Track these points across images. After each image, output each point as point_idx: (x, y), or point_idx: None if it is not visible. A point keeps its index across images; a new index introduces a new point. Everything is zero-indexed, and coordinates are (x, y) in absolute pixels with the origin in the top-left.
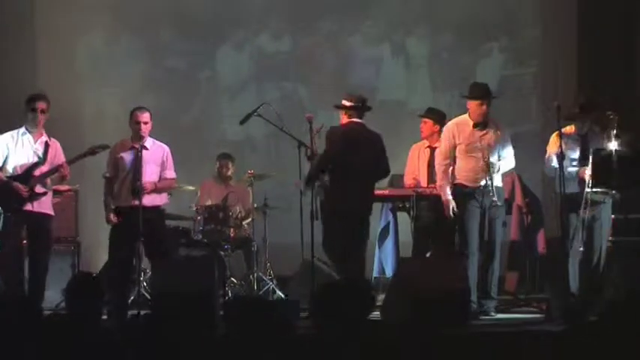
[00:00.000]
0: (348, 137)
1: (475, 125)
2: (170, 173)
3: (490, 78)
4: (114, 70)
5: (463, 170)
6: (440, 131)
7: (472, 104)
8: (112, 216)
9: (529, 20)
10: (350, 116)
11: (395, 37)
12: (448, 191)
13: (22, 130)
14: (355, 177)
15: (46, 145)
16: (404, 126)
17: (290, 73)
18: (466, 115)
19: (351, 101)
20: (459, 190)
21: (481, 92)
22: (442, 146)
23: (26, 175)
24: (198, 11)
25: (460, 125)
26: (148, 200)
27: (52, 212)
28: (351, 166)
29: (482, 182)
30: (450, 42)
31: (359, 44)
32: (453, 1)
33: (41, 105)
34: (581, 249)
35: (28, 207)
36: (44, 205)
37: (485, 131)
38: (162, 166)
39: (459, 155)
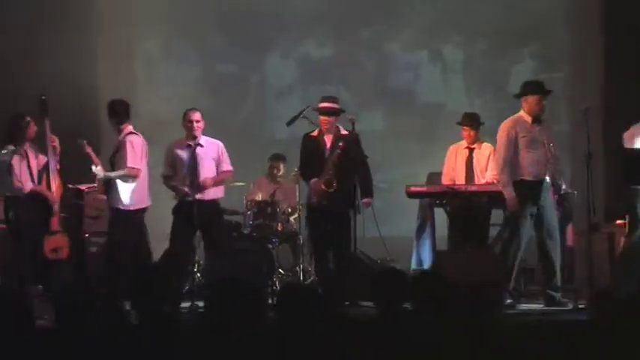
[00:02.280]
0: None
1: (533, 120)
2: (226, 166)
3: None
4: (169, 74)
5: (524, 166)
6: (477, 134)
7: (532, 100)
8: (185, 189)
9: (558, 26)
10: None
11: (432, 44)
12: (512, 187)
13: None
14: None
15: None
16: (441, 127)
17: (333, 78)
18: (520, 113)
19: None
20: (521, 186)
21: (542, 88)
22: (502, 143)
23: None
24: (248, 20)
25: (519, 121)
26: (207, 193)
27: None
28: None
29: (546, 176)
30: (483, 49)
31: (398, 50)
32: (486, 10)
33: None
34: None
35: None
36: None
37: (541, 126)
38: (218, 160)
39: (520, 151)
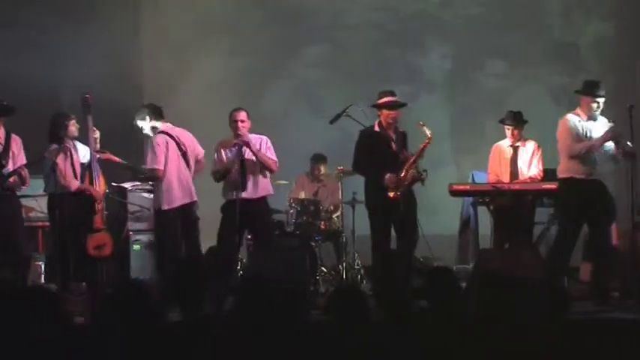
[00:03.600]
0: None
1: (588, 118)
2: (272, 155)
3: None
4: (213, 70)
5: (577, 163)
6: (521, 133)
7: (584, 100)
8: (232, 169)
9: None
10: None
11: None
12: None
13: None
14: None
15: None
16: (487, 126)
17: (374, 72)
18: (577, 109)
19: None
20: (572, 184)
21: (593, 90)
22: (567, 136)
23: None
24: (294, 16)
25: (574, 118)
26: (255, 192)
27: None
28: None
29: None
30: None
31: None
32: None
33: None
34: None
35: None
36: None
37: (596, 124)
38: (262, 151)
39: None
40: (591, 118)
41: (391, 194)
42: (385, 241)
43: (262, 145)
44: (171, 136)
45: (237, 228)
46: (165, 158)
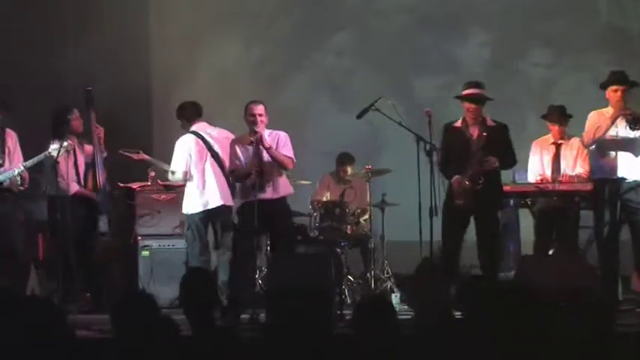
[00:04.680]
0: None
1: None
2: (288, 152)
3: None
4: (227, 60)
5: (607, 163)
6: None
7: (609, 91)
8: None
9: None
10: None
11: None
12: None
13: None
14: None
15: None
16: (529, 120)
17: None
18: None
19: None
20: (607, 184)
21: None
22: (590, 131)
23: None
24: (315, 5)
25: (602, 115)
26: (273, 192)
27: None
28: None
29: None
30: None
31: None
32: None
33: None
34: None
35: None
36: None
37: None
38: (281, 149)
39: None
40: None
41: (458, 201)
42: (451, 251)
43: (279, 141)
44: (200, 137)
45: (256, 232)
46: (190, 160)
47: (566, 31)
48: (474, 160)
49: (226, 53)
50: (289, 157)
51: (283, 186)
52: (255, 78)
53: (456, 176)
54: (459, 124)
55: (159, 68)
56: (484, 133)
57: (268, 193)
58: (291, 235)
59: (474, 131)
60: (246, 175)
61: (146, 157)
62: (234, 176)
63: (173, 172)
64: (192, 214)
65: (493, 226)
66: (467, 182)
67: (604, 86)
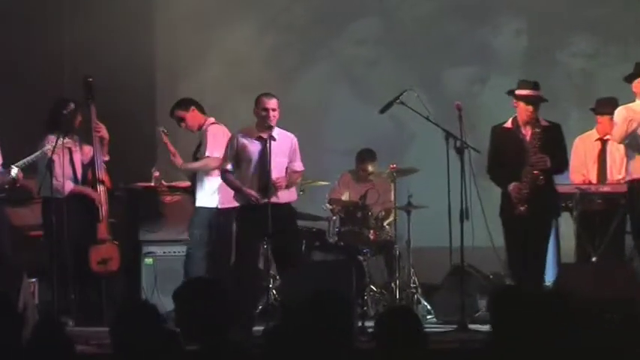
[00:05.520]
0: None
1: None
2: (298, 165)
3: None
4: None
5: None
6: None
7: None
8: (252, 192)
9: None
10: None
11: None
12: None
13: None
14: None
15: None
16: (571, 115)
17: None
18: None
19: None
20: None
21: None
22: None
23: None
24: None
25: (631, 109)
26: (281, 196)
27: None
28: None
29: None
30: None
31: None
32: None
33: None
34: None
35: None
36: None
37: None
38: (291, 158)
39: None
40: None
41: (520, 208)
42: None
43: (291, 147)
44: None
45: (260, 239)
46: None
47: (610, 17)
48: (530, 162)
49: (237, 40)
50: (300, 172)
51: (290, 191)
52: (268, 67)
53: (514, 183)
54: (509, 125)
55: (163, 55)
56: (539, 134)
57: (273, 198)
58: (300, 242)
59: (527, 132)
60: (237, 187)
61: (169, 144)
62: (227, 176)
63: (213, 158)
64: (223, 209)
65: (548, 234)
66: (525, 190)
67: (630, 79)
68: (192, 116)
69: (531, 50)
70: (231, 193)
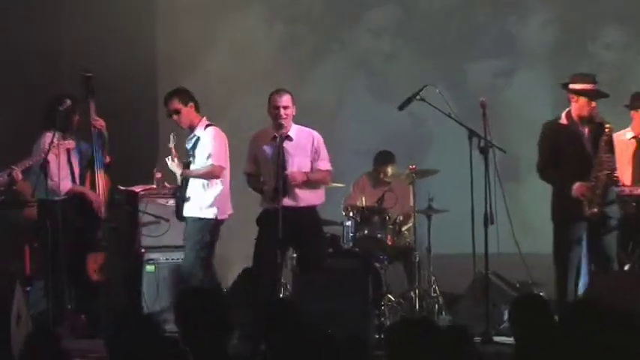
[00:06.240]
0: None
1: None
2: (324, 164)
3: None
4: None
5: None
6: None
7: None
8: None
9: None
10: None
11: None
12: None
13: None
14: None
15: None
16: (603, 111)
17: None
18: None
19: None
20: None
21: None
22: None
23: None
24: None
25: None
26: (301, 198)
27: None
28: None
29: None
30: None
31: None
32: None
33: (172, 106)
34: None
35: None
36: None
37: None
38: (314, 157)
39: None
40: None
41: (592, 210)
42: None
43: (312, 144)
44: None
45: (280, 244)
46: (226, 157)
47: None
48: (599, 161)
49: (242, 31)
50: (327, 171)
51: (311, 194)
52: (277, 61)
53: (579, 183)
54: (564, 121)
55: (165, 46)
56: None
57: (294, 200)
58: (322, 251)
59: (584, 129)
60: (259, 188)
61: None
62: (250, 183)
63: (219, 167)
64: (220, 220)
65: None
66: (598, 190)
67: None
68: (189, 112)
69: (561, 41)
70: (227, 203)
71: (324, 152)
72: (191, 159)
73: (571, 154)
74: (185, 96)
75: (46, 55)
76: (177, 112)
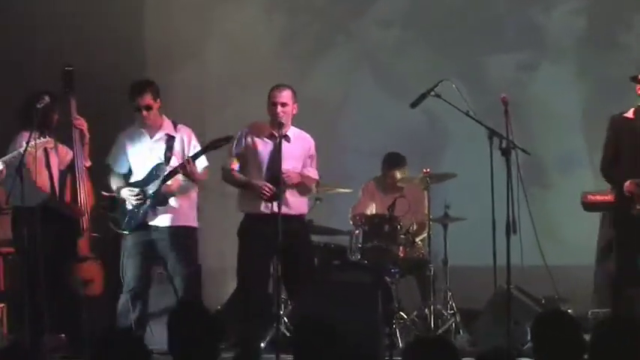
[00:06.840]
0: None
1: None
2: (313, 172)
3: None
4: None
5: None
6: None
7: None
8: (263, 183)
9: None
10: None
11: None
12: None
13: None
14: None
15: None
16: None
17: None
18: None
19: None
20: None
21: None
22: None
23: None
24: None
25: None
26: (292, 206)
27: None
28: None
29: None
30: None
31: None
32: None
33: (144, 101)
34: None
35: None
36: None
37: None
38: (306, 163)
39: None
40: None
41: (637, 207)
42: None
43: (307, 151)
44: None
45: (274, 253)
46: None
47: None
48: None
49: (241, 22)
50: (315, 180)
51: (300, 203)
52: (278, 54)
53: (630, 180)
54: (630, 114)
55: (156, 38)
56: None
57: (288, 207)
58: (313, 263)
59: None
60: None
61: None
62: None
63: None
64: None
65: None
66: None
67: None
68: (158, 111)
69: (590, 32)
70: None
71: (315, 161)
72: (162, 161)
73: (631, 149)
74: (156, 90)
75: (46, 55)
76: (149, 107)
